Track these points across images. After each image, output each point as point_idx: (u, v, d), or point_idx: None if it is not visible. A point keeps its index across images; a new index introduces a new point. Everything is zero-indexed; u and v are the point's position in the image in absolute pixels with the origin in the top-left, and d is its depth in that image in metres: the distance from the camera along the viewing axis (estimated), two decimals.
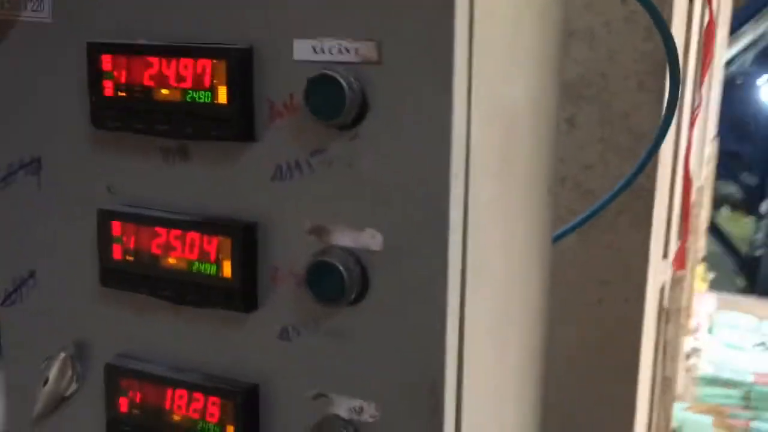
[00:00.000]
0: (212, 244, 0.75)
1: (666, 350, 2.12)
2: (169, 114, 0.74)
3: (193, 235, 0.75)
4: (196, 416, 0.78)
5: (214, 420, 0.77)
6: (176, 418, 0.79)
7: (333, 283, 0.70)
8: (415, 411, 0.71)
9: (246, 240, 0.74)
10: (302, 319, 0.74)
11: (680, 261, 1.93)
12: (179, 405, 0.79)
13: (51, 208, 0.83)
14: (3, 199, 0.85)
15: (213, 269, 0.75)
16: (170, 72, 0.73)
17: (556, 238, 1.03)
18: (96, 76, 0.76)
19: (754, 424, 3.88)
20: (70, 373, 0.84)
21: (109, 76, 0.76)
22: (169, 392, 0.79)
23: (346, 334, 0.73)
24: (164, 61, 0.73)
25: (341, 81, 0.67)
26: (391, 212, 0.69)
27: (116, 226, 0.78)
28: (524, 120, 0.83)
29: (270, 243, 0.74)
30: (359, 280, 0.71)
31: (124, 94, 0.76)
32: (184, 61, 0.73)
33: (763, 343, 4.31)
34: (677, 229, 1.93)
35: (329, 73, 0.67)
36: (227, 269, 0.75)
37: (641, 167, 1.08)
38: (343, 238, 0.71)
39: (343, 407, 0.74)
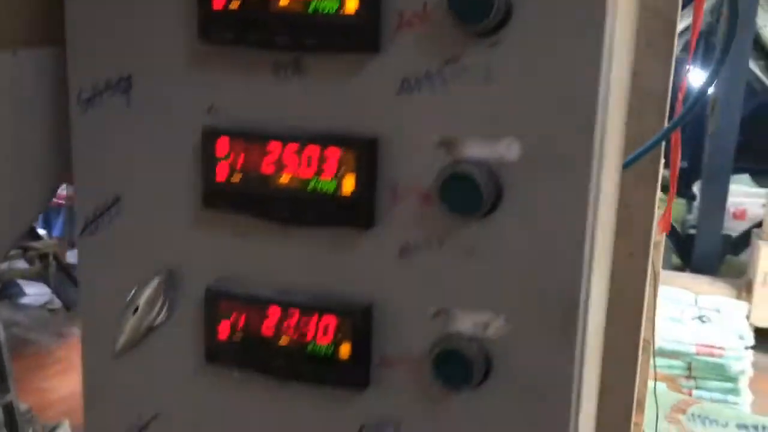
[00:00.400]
0: (332, 158, 0.73)
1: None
2: (289, 25, 0.72)
3: (311, 150, 0.73)
4: (305, 338, 0.76)
5: (327, 340, 0.76)
6: (284, 340, 0.77)
7: (470, 195, 0.69)
8: (547, 324, 0.71)
9: (369, 154, 0.72)
10: (425, 235, 0.73)
11: (666, 223, 1.98)
12: (288, 326, 0.77)
13: (141, 129, 0.80)
14: (85, 121, 0.81)
15: (332, 186, 0.73)
16: None
17: (627, 164, 1.05)
18: None
19: (697, 392, 4.03)
20: (161, 301, 0.81)
21: None
22: (277, 314, 0.77)
23: (475, 248, 0.72)
24: None
25: None
26: (532, 121, 0.69)
27: (223, 144, 0.76)
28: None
29: (391, 158, 0.73)
30: (493, 192, 0.70)
31: (236, 5, 0.73)
32: None
33: (700, 317, 4.48)
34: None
35: None
36: (348, 185, 0.73)
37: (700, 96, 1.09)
38: (476, 150, 0.70)
39: (467, 323, 0.73)
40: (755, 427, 2.80)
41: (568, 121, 0.68)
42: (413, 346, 0.75)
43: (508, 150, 0.70)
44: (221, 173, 0.76)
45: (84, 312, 0.85)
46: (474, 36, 0.68)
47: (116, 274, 0.82)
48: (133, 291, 0.81)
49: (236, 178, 0.76)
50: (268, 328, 0.77)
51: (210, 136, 0.76)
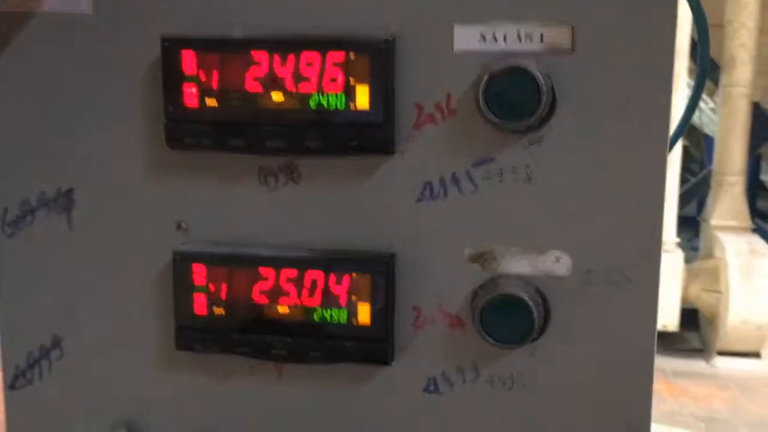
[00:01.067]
0: (342, 284, 0.60)
1: None
2: (284, 125, 0.58)
3: (314, 275, 0.60)
4: None
5: None
6: None
7: (518, 322, 0.58)
8: None
9: (386, 274, 0.60)
10: (457, 366, 0.61)
11: None
12: None
13: (88, 254, 0.64)
14: (12, 247, 0.64)
15: (343, 315, 0.60)
16: (286, 72, 0.58)
17: None
18: (174, 80, 0.59)
19: None
20: None
21: (194, 79, 0.59)
22: None
23: (519, 378, 0.61)
24: (276, 58, 0.58)
25: (536, 75, 0.55)
26: (584, 228, 0.58)
27: (199, 272, 0.61)
28: None
29: (413, 277, 0.61)
30: (543, 314, 0.59)
31: (213, 102, 0.59)
32: (306, 56, 0.57)
33: None
34: None
35: (522, 65, 0.55)
36: (363, 314, 0.60)
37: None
38: (517, 264, 0.59)
39: None
40: None
41: (628, 226, 0.58)
42: None
43: (556, 264, 0.59)
44: (199, 305, 0.62)
45: None
46: (509, 133, 0.57)
47: None
48: None
49: (219, 310, 0.61)
50: None
51: (183, 261, 0.61)
